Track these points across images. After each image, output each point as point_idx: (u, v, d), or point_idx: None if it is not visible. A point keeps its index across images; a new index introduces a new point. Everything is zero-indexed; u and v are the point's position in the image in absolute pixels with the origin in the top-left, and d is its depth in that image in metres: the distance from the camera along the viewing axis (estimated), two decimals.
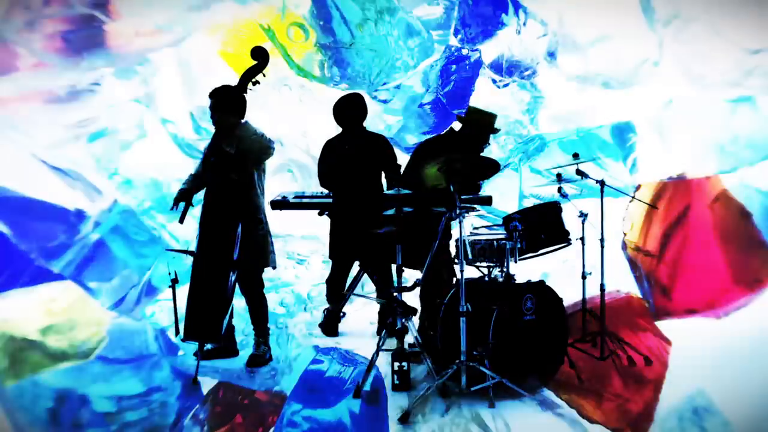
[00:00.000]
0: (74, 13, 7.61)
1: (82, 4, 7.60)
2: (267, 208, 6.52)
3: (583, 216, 6.22)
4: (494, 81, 8.83)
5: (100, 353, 6.18)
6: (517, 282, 5.90)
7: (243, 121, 6.32)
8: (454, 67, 8.68)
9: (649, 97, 8.34)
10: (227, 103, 6.22)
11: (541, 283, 5.89)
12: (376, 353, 5.67)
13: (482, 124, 6.44)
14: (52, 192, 7.30)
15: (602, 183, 6.25)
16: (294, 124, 8.73)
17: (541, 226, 5.99)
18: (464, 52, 8.72)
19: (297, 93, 8.65)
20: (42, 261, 7.14)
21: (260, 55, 6.40)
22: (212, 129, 6.56)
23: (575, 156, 6.27)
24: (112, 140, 7.86)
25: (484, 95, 8.75)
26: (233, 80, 6.51)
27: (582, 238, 6.25)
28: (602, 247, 6.21)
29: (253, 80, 6.34)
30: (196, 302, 6.00)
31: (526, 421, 5.18)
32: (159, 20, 7.92)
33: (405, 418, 5.16)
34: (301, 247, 8.35)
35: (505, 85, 8.82)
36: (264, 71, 6.39)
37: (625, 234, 7.65)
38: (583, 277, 6.30)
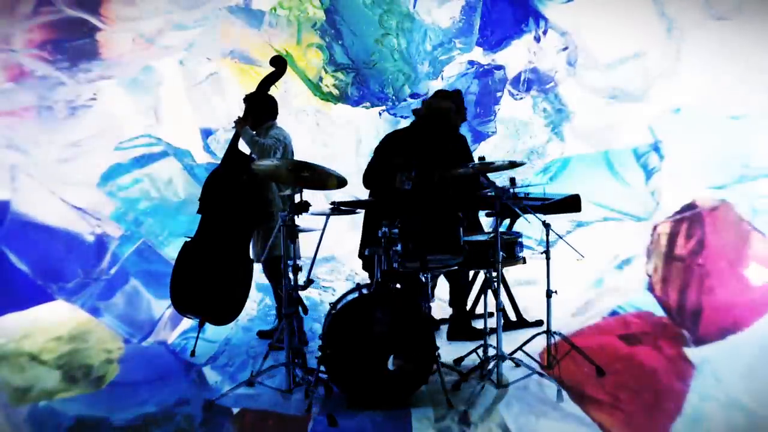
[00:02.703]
0: (68, 20, 8.04)
1: (73, 9, 8.01)
2: None
3: (547, 227, 6.00)
4: (512, 94, 9.11)
5: (115, 380, 6.47)
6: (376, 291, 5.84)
7: (271, 123, 7.12)
8: (476, 82, 8.92)
9: (665, 110, 8.64)
10: (254, 109, 7.08)
11: (399, 294, 5.91)
12: (269, 350, 6.14)
13: (437, 116, 6.56)
14: (68, 222, 7.80)
15: (500, 192, 5.84)
16: (313, 147, 8.87)
17: (414, 235, 5.84)
18: (486, 65, 9.02)
19: (313, 117, 8.88)
20: (61, 292, 7.55)
21: (278, 64, 7.16)
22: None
23: (481, 159, 6.10)
24: (124, 170, 8.18)
25: (508, 111, 9.07)
26: (244, 93, 7.35)
27: (546, 252, 6.10)
28: (497, 261, 5.83)
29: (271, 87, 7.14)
30: (190, 281, 6.80)
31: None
32: (170, 40, 8.41)
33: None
34: (320, 271, 8.53)
35: (521, 98, 9.10)
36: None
37: (649, 276, 7.76)
38: (548, 295, 6.10)
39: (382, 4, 8.71)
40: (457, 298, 7.20)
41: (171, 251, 7.85)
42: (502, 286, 6.85)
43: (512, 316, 7.49)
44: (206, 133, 8.76)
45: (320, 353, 5.72)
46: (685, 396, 5.74)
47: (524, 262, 6.29)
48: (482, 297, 6.88)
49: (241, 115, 7.13)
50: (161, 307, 7.65)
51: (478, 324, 7.19)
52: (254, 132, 7.00)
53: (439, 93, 7.31)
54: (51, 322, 7.39)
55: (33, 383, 6.42)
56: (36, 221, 7.70)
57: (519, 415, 5.47)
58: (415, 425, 5.42)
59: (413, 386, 5.72)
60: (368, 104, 8.88)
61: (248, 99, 7.18)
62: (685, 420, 5.41)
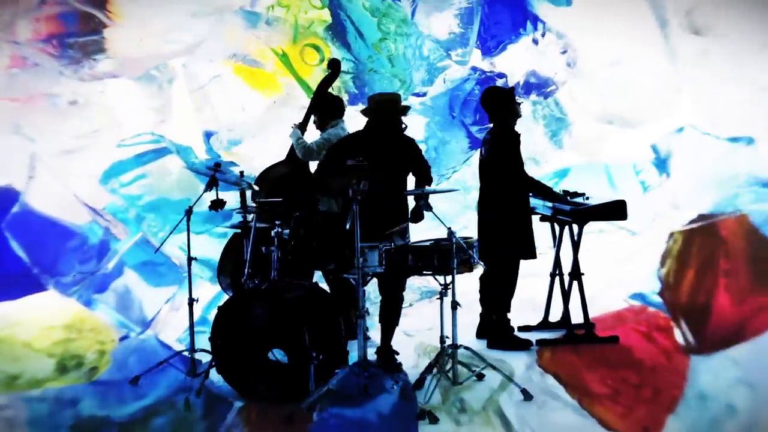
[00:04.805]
0: (75, 14, 8.55)
1: (80, 4, 8.48)
2: None
3: (452, 235, 6.09)
4: None
5: (113, 375, 6.89)
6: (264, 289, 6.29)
7: (334, 122, 7.65)
8: (478, 88, 9.44)
9: (664, 129, 9.23)
10: (318, 111, 7.69)
11: (277, 293, 6.26)
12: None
13: (384, 109, 6.82)
14: (71, 215, 8.28)
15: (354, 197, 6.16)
16: None
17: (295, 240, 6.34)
18: (488, 72, 9.58)
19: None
20: (58, 284, 8.05)
21: (334, 66, 7.85)
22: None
23: (359, 162, 6.26)
24: (126, 167, 8.68)
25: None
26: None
27: (452, 260, 6.13)
28: (359, 270, 6.06)
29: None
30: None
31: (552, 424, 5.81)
32: (175, 41, 8.92)
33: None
34: None
35: (520, 103, 9.59)
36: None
37: (661, 281, 8.10)
38: (453, 307, 6.15)
39: (380, 9, 9.25)
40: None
41: (172, 248, 8.27)
42: (579, 295, 7.26)
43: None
44: (208, 135, 9.26)
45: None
46: (682, 387, 6.21)
47: (471, 270, 6.38)
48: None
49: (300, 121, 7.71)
50: (160, 301, 8.10)
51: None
52: (320, 131, 7.62)
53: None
54: (46, 314, 7.83)
55: (24, 372, 6.88)
56: (41, 212, 8.21)
57: (519, 405, 5.89)
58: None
59: (296, 383, 6.04)
60: (362, 105, 9.30)
61: (311, 103, 7.77)
62: (681, 411, 5.89)
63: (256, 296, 6.27)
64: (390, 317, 6.89)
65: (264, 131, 9.16)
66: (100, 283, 8.18)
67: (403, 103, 7.16)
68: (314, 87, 8.84)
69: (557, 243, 7.70)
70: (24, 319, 7.75)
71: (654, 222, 9.16)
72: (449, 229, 6.12)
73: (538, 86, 9.70)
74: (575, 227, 7.34)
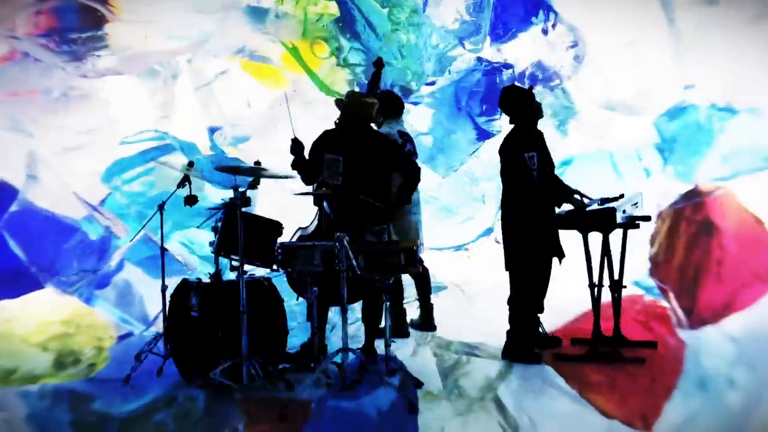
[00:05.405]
0: (76, 8, 8.60)
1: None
2: None
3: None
4: None
5: (112, 373, 6.88)
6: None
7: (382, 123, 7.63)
8: (484, 79, 9.48)
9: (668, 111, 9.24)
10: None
11: (216, 284, 6.49)
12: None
13: (355, 108, 6.90)
14: (73, 212, 8.35)
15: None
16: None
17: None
18: (495, 63, 9.64)
19: (322, 108, 9.17)
20: (58, 282, 8.11)
21: (378, 64, 7.75)
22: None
23: (257, 163, 6.55)
24: (129, 164, 8.81)
25: None
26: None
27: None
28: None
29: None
30: None
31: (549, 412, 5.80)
32: (180, 38, 8.98)
33: None
34: None
35: None
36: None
37: (651, 261, 8.24)
38: (343, 311, 6.23)
39: None
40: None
41: (174, 245, 8.41)
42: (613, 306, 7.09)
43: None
44: (212, 130, 9.33)
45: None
46: (678, 375, 6.24)
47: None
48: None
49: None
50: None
51: None
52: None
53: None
54: (44, 309, 7.92)
55: (20, 367, 6.97)
56: (40, 209, 8.27)
57: (517, 392, 5.97)
58: (422, 405, 5.87)
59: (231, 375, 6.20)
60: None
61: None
62: (678, 398, 5.89)
63: (196, 288, 6.50)
64: (371, 318, 6.95)
65: (270, 127, 9.17)
66: (101, 280, 8.27)
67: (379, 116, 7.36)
68: (325, 80, 9.05)
69: (585, 251, 7.32)
70: (21, 314, 7.84)
71: (657, 208, 8.95)
72: (356, 232, 6.27)
73: (544, 78, 9.67)
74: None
